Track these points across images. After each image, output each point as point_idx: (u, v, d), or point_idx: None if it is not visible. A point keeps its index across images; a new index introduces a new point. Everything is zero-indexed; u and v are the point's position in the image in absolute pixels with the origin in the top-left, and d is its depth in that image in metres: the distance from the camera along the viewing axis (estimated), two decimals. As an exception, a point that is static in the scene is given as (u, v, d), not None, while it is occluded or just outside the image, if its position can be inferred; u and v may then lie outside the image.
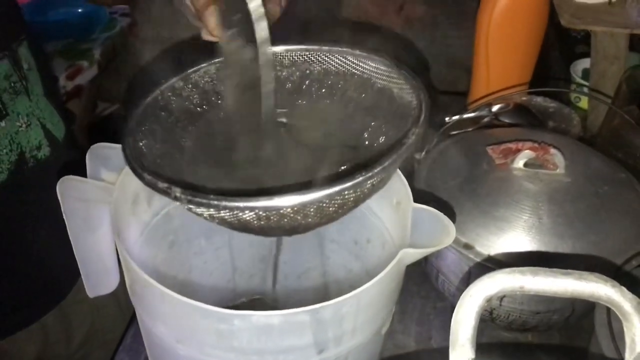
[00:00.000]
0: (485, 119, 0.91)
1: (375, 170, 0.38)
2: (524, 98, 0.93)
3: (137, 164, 0.41)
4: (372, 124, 0.47)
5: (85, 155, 0.51)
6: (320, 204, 0.39)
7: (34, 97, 0.68)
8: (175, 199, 0.38)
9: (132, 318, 0.73)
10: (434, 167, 0.73)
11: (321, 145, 0.47)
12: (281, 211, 0.38)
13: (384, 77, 0.48)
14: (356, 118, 0.48)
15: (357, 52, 0.49)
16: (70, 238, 0.53)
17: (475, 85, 0.96)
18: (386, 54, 0.47)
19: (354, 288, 0.40)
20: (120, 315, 0.87)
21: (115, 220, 0.47)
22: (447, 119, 0.86)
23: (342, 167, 0.44)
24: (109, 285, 0.59)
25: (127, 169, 0.49)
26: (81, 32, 1.48)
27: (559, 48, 1.15)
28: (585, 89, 0.95)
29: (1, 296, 0.70)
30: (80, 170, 0.50)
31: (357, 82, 0.49)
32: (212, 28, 0.48)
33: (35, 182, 0.68)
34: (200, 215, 0.42)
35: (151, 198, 0.54)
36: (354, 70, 0.49)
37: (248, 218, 0.39)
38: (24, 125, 0.66)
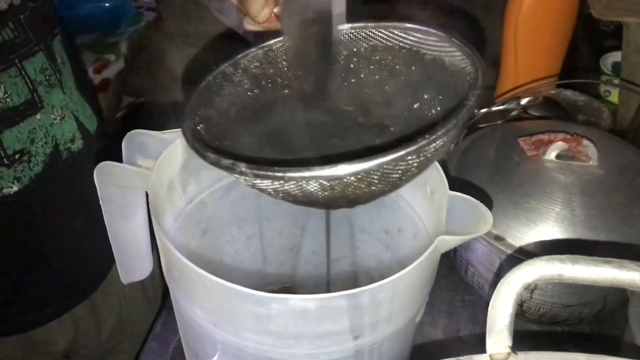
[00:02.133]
0: (514, 112, 0.90)
1: (439, 132, 0.37)
2: (553, 91, 0.92)
3: (199, 144, 0.41)
4: (426, 95, 0.46)
5: (115, 146, 0.51)
6: (385, 171, 0.39)
7: (67, 90, 0.69)
8: (241, 173, 0.38)
9: (161, 308, 0.74)
10: (464, 158, 0.72)
11: (377, 118, 0.47)
12: (345, 180, 0.38)
13: (434, 48, 0.47)
14: (409, 91, 0.47)
15: (405, 24, 0.48)
16: (106, 224, 0.53)
17: (503, 78, 0.96)
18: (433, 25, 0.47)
19: (384, 278, 0.40)
20: (148, 307, 0.88)
21: (153, 205, 0.48)
22: (475, 111, 0.85)
23: (402, 135, 0.44)
24: (142, 271, 0.59)
25: (164, 156, 0.50)
26: (108, 26, 1.49)
27: (587, 42, 1.13)
28: (617, 82, 0.94)
29: (35, 288, 0.71)
30: (112, 160, 0.51)
31: (405, 55, 0.48)
32: (255, 14, 0.48)
33: (69, 174, 0.69)
34: (265, 190, 0.42)
35: (186, 185, 0.54)
36: (401, 44, 0.49)
37: (312, 189, 0.39)
38: (58, 118, 0.67)
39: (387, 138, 0.44)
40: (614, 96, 0.97)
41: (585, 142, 0.66)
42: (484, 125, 0.84)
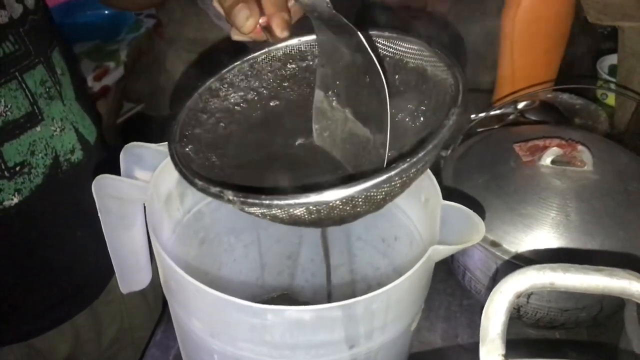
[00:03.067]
0: (511, 117, 0.90)
1: (420, 155, 0.39)
2: (550, 95, 0.93)
3: (189, 171, 0.42)
4: (409, 106, 0.47)
5: (115, 156, 0.52)
6: (369, 194, 0.40)
7: (67, 101, 0.69)
8: (229, 201, 0.39)
9: (162, 315, 0.75)
10: (460, 164, 0.73)
11: (359, 132, 0.47)
12: (330, 204, 0.39)
13: (416, 57, 0.48)
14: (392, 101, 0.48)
15: (387, 34, 0.49)
16: (105, 235, 0.54)
17: (500, 83, 0.96)
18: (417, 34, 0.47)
19: (382, 286, 0.41)
20: (149, 314, 0.88)
21: (150, 217, 0.48)
22: (472, 116, 0.86)
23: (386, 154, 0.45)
24: (141, 281, 0.60)
25: (161, 168, 0.50)
26: (108, 34, 1.50)
27: (584, 45, 1.14)
28: (613, 86, 0.94)
29: (36, 297, 0.72)
30: (111, 171, 0.51)
31: (388, 64, 0.49)
32: (240, 25, 0.48)
33: (69, 185, 0.70)
34: (253, 214, 0.43)
35: (183, 196, 0.55)
36: (385, 53, 0.49)
37: (299, 213, 0.40)
38: (58, 130, 0.67)
39: (370, 155, 0.44)
40: (611, 99, 0.97)
41: (580, 147, 0.67)
42: (482, 129, 0.84)
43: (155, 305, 0.91)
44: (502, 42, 0.92)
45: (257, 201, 0.38)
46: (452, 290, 0.75)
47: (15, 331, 0.72)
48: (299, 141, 0.49)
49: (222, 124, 0.48)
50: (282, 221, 0.43)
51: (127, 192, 0.51)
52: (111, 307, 0.83)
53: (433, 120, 0.44)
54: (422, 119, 0.46)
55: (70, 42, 1.44)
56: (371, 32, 0.49)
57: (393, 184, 0.40)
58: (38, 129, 0.64)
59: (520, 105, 0.90)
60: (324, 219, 0.41)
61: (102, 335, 0.83)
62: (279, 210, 0.40)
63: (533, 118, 0.91)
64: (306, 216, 0.40)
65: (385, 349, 0.46)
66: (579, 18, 0.92)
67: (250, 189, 0.39)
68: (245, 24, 0.48)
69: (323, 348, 0.43)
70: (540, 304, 0.64)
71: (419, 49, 0.47)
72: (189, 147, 0.45)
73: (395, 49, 0.49)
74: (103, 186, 0.50)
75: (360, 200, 0.40)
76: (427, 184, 0.50)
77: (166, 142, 0.50)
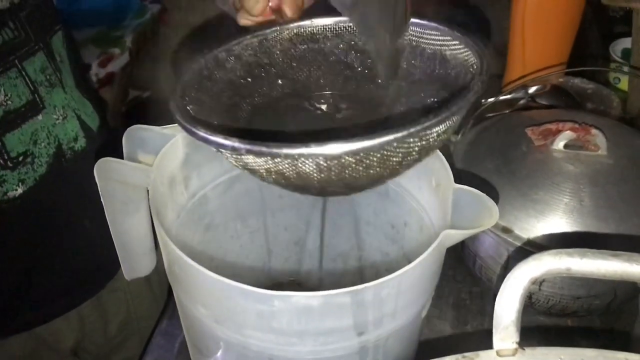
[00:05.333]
0: (522, 101, 0.89)
1: (443, 115, 0.36)
2: (561, 79, 0.91)
3: (188, 120, 0.39)
4: (429, 88, 0.46)
5: (117, 141, 0.51)
6: (385, 152, 0.37)
7: (68, 89, 0.68)
8: (233, 150, 0.36)
9: (167, 303, 0.74)
10: (470, 149, 0.71)
11: (377, 110, 0.46)
12: (343, 160, 0.37)
13: (435, 41, 0.46)
14: (408, 85, 0.47)
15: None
16: (108, 221, 0.53)
17: (510, 67, 0.94)
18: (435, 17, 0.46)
19: (390, 272, 0.40)
20: (154, 303, 0.88)
21: (154, 201, 0.47)
22: (482, 100, 0.84)
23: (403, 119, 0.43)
24: (145, 268, 0.59)
25: (165, 151, 0.49)
26: (113, 20, 1.49)
27: (596, 28, 1.11)
28: (626, 69, 0.92)
29: (42, 286, 0.71)
30: (113, 156, 0.50)
31: (405, 49, 0.48)
32: (250, 6, 0.48)
33: (74, 174, 0.69)
34: (256, 171, 0.40)
35: (188, 180, 0.54)
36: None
37: (308, 170, 0.38)
38: (60, 118, 0.66)
39: (386, 123, 0.43)
40: (624, 83, 0.95)
41: (593, 131, 0.65)
42: (492, 114, 0.82)
43: (160, 293, 0.90)
44: (512, 25, 0.90)
45: (264, 149, 0.35)
46: (462, 277, 0.74)
47: (21, 319, 0.72)
48: (304, 116, 0.48)
49: (225, 94, 0.47)
50: (288, 182, 0.39)
51: (130, 175, 0.50)
52: (116, 296, 0.83)
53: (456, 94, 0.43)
54: (440, 99, 0.45)
55: (75, 28, 1.43)
56: None
57: (412, 144, 0.37)
58: (40, 117, 0.63)
59: (531, 90, 0.89)
60: (334, 181, 0.38)
61: (108, 323, 0.83)
62: (288, 164, 0.37)
63: (544, 103, 0.89)
64: (315, 175, 0.37)
65: (395, 336, 0.45)
66: (591, 1, 0.90)
67: (258, 136, 0.36)
68: (255, 7, 0.48)
69: (331, 335, 0.42)
70: (553, 291, 0.63)
71: (436, 33, 0.46)
72: (190, 106, 0.43)
73: (412, 34, 0.48)
74: (105, 170, 0.49)
75: (375, 159, 0.37)
76: (438, 167, 0.48)
77: (170, 125, 0.49)
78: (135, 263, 0.58)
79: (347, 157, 0.36)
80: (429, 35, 0.47)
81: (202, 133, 0.38)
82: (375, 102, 0.47)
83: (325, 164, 0.37)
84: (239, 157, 0.39)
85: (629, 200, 0.61)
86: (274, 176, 0.40)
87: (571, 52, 0.92)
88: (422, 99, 0.46)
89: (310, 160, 0.37)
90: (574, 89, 0.91)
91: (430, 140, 0.39)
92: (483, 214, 0.43)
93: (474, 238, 0.68)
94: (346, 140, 0.34)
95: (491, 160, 0.68)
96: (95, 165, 0.48)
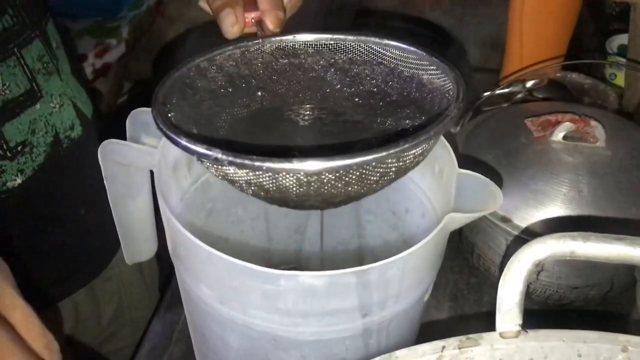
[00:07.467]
0: (519, 95, 0.89)
1: (421, 138, 0.38)
2: (559, 74, 0.91)
3: (171, 130, 0.39)
4: (404, 112, 0.47)
5: (114, 132, 0.51)
6: (363, 171, 0.38)
7: (64, 76, 0.68)
8: (216, 160, 0.37)
9: (165, 290, 0.74)
10: (469, 140, 0.72)
11: (353, 127, 0.47)
12: (323, 177, 0.38)
13: (412, 65, 0.47)
14: (385, 106, 0.48)
15: (384, 41, 0.48)
16: (110, 203, 0.53)
17: (508, 61, 0.95)
18: (414, 40, 0.47)
19: (391, 259, 0.40)
20: (146, 291, 0.88)
21: (159, 183, 0.47)
22: (480, 95, 0.85)
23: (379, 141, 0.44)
24: (146, 252, 0.59)
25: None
26: (109, 10, 1.48)
27: (593, 25, 1.12)
28: (623, 62, 0.93)
29: (38, 274, 0.70)
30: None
31: (383, 70, 0.49)
32: (225, 31, 0.48)
33: (71, 162, 0.68)
34: (236, 182, 0.41)
35: (191, 164, 0.54)
36: (380, 59, 0.49)
37: (288, 184, 0.38)
38: (57, 107, 0.66)
39: (362, 141, 0.44)
40: (620, 79, 0.96)
41: (593, 122, 0.66)
42: (489, 108, 0.83)
43: (151, 282, 0.90)
44: (510, 19, 0.91)
45: (247, 162, 0.36)
46: (460, 268, 0.74)
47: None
48: (282, 129, 0.48)
49: (206, 104, 0.47)
50: (266, 195, 0.41)
51: (133, 157, 0.49)
52: (109, 285, 0.82)
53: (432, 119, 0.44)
54: (417, 123, 0.46)
55: (71, 18, 1.43)
56: (365, 38, 0.49)
57: (390, 164, 0.39)
58: (37, 106, 0.63)
59: (529, 84, 0.89)
60: (312, 196, 0.40)
61: (101, 313, 0.83)
62: (268, 177, 0.38)
63: (541, 97, 0.90)
64: (295, 189, 0.38)
65: (398, 319, 0.46)
66: (587, -2, 0.91)
67: (241, 148, 0.37)
68: (231, 30, 0.49)
69: (336, 316, 0.42)
70: (550, 281, 0.64)
71: (415, 56, 0.47)
72: (172, 114, 0.43)
73: (391, 56, 0.49)
74: (109, 151, 0.49)
75: (354, 177, 0.38)
76: (442, 153, 0.49)
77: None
78: (137, 247, 0.58)
79: (327, 174, 0.38)
80: (407, 59, 0.48)
81: (184, 142, 0.38)
82: (351, 120, 0.48)
83: (305, 179, 0.38)
84: (219, 167, 0.40)
85: (627, 191, 0.62)
86: (253, 188, 0.41)
87: (568, 48, 0.92)
88: (398, 120, 0.46)
89: (291, 174, 0.38)
90: (571, 83, 0.91)
91: (407, 161, 0.41)
92: (487, 199, 0.44)
93: (472, 228, 0.68)
94: (328, 158, 0.36)
95: (490, 151, 0.68)
96: (100, 147, 0.48)
